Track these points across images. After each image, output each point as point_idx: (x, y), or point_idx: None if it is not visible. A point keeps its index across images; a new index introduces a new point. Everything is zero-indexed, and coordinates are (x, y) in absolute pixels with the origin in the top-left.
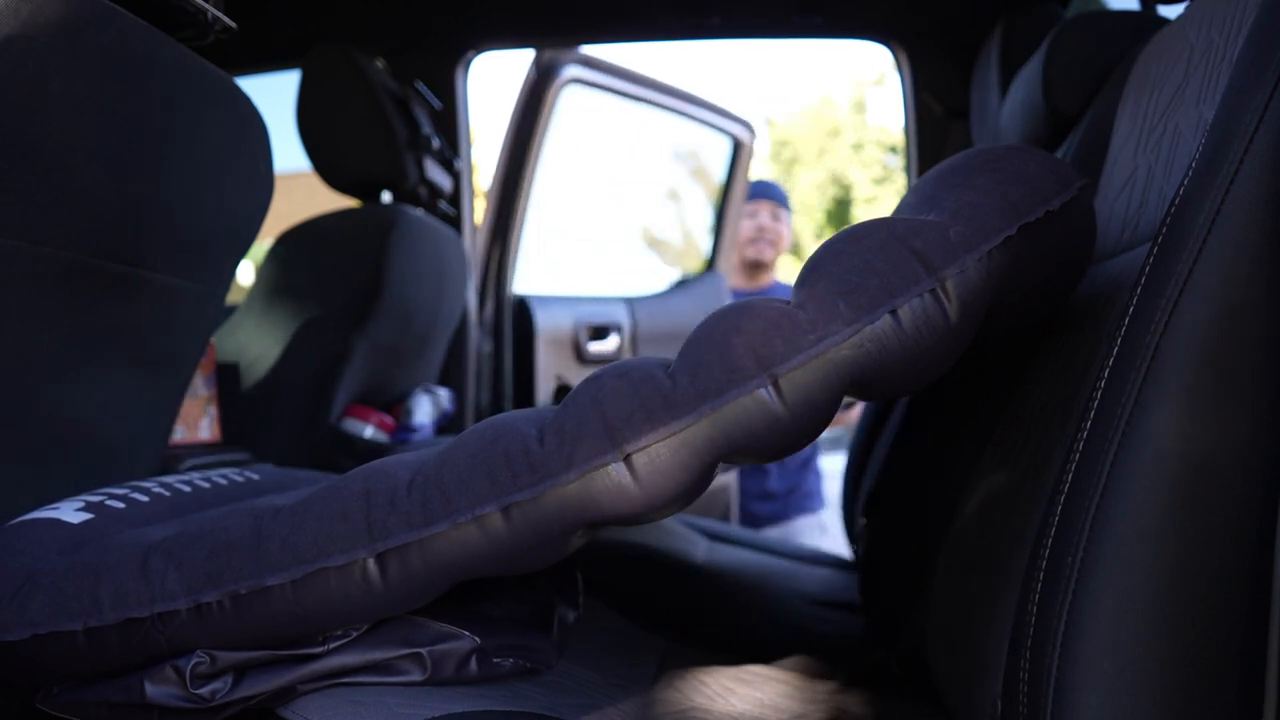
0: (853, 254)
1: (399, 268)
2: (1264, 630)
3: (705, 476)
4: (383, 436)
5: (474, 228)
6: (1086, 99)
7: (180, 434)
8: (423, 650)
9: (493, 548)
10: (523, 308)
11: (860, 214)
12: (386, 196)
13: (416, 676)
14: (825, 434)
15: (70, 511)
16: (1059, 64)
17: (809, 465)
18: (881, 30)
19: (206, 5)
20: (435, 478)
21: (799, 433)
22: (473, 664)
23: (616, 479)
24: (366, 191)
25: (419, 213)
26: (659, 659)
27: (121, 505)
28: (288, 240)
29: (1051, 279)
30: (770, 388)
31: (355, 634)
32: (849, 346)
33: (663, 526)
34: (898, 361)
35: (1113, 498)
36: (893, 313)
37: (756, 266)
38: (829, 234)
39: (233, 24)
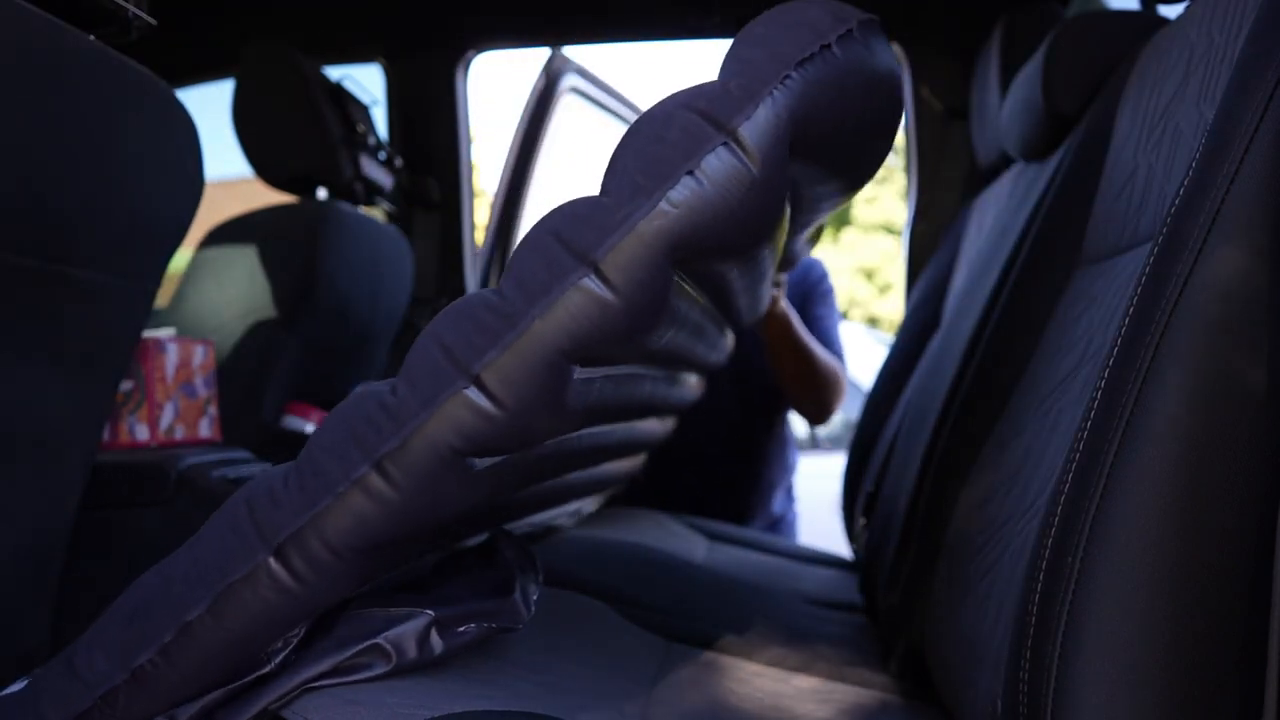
0: (643, 132)
1: (331, 263)
2: (1264, 630)
3: (561, 381)
4: None
5: (471, 226)
6: (1087, 99)
7: (180, 434)
8: (378, 639)
9: (383, 507)
10: None
11: (860, 214)
12: (323, 193)
13: (383, 668)
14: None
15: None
16: (1059, 64)
17: (789, 494)
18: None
19: (126, 4)
20: (306, 462)
21: (637, 314)
22: (434, 639)
23: (473, 402)
24: (302, 188)
25: (354, 209)
26: (659, 659)
27: None
28: (218, 235)
29: (862, 109)
30: (593, 275)
31: (295, 640)
32: (657, 216)
33: (663, 526)
34: (711, 220)
35: (1113, 498)
36: (690, 174)
37: None
38: (828, 234)
39: (153, 21)
